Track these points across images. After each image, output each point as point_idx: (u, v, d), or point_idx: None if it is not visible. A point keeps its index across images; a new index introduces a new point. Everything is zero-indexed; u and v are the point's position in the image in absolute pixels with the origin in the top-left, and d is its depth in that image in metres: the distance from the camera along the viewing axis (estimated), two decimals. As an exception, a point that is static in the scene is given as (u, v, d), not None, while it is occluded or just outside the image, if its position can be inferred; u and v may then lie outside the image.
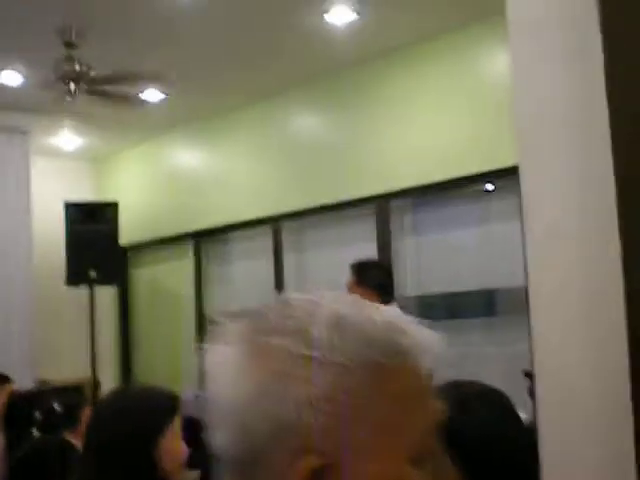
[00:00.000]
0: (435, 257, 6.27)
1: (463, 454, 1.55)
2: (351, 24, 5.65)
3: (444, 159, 5.91)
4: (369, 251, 6.26)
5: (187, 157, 8.47)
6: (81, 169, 9.36)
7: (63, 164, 9.14)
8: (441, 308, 6.17)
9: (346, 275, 6.42)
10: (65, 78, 5.45)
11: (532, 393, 2.54)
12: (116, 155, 9.24)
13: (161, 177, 8.72)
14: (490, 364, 5.78)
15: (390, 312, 1.07)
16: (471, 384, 1.73)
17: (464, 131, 5.79)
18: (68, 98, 5.57)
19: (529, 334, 5.29)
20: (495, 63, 5.70)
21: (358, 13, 5.49)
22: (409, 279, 6.15)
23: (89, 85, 5.62)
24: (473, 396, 1.66)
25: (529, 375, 5.18)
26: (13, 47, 6.00)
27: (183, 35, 5.81)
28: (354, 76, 6.54)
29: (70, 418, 3.87)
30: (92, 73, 5.49)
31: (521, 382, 4.79)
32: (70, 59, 5.46)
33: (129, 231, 8.46)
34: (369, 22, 5.64)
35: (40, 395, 4.69)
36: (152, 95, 7.03)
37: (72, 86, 5.45)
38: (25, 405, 4.48)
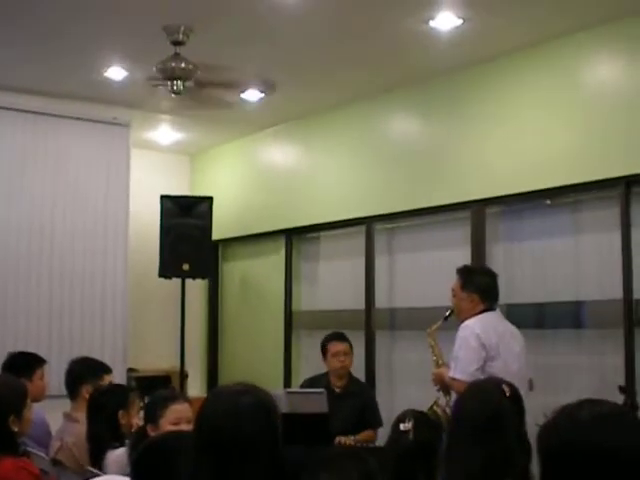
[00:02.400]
0: (527, 265, 6.21)
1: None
2: (456, 29, 5.62)
3: (540, 168, 5.85)
4: (462, 256, 6.24)
5: (282, 155, 8.54)
6: (177, 163, 9.51)
7: (160, 158, 9.31)
8: (530, 317, 6.11)
9: (437, 280, 6.46)
10: (171, 76, 5.55)
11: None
12: (212, 150, 9.36)
13: (256, 174, 8.81)
14: (579, 376, 5.71)
15: None
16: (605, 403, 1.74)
17: (564, 140, 5.72)
18: (172, 95, 5.67)
19: (625, 348, 5.26)
20: (599, 73, 5.62)
21: (463, 19, 5.47)
22: (499, 287, 6.11)
23: (194, 84, 5.71)
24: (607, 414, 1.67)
25: (624, 390, 5.13)
26: (120, 44, 6.13)
27: (286, 35, 5.86)
28: (455, 81, 6.52)
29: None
30: (198, 72, 5.58)
31: (611, 396, 4.74)
32: (177, 57, 5.56)
33: (222, 226, 8.57)
34: (474, 28, 5.60)
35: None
36: (252, 95, 7.12)
37: (177, 83, 5.55)
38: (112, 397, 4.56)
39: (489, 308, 5.14)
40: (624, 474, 1.61)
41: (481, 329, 4.97)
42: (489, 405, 2.66)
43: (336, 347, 6.22)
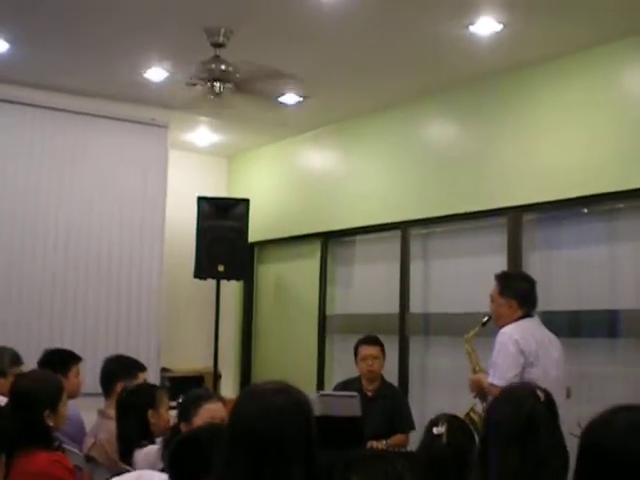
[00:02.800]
0: (563, 273, 6.18)
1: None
2: (495, 35, 5.60)
3: (577, 176, 5.82)
4: (498, 263, 6.21)
5: (319, 159, 8.56)
6: (215, 165, 9.56)
7: (198, 159, 9.36)
8: (565, 325, 6.06)
9: (473, 286, 6.43)
10: (211, 78, 5.58)
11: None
12: (249, 153, 9.40)
13: (292, 177, 8.83)
14: (614, 386, 5.66)
15: None
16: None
17: (601, 149, 5.69)
18: (211, 97, 5.70)
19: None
20: (634, 80, 5.58)
21: (503, 24, 5.45)
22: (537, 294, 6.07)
23: (234, 86, 5.74)
24: None
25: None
26: (160, 45, 6.18)
27: (325, 38, 5.87)
28: (493, 87, 6.50)
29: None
30: (237, 74, 5.60)
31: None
32: (217, 59, 5.58)
33: (257, 228, 8.59)
34: (514, 33, 5.59)
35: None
36: (290, 98, 7.14)
37: (217, 85, 5.57)
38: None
39: (527, 314, 5.11)
40: None
41: (520, 335, 4.94)
42: (523, 410, 2.64)
43: (365, 351, 6.22)
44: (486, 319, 5.34)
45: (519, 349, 4.88)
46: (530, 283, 5.27)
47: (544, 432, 2.60)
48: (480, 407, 5.15)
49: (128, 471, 3.72)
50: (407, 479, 2.38)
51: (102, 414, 4.91)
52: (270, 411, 2.29)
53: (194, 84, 5.87)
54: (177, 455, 2.87)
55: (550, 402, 2.73)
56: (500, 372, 4.86)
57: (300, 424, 2.31)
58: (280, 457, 2.22)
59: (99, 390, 5.16)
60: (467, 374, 5.42)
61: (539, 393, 2.71)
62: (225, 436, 2.35)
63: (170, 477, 2.88)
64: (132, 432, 4.30)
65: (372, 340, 6.30)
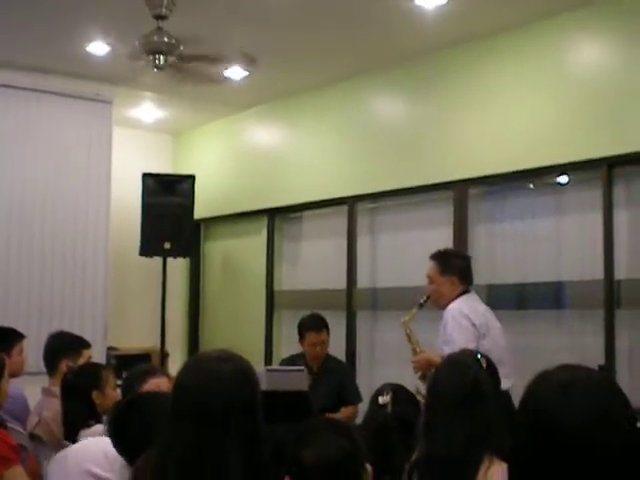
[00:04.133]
0: (508, 247, 6.23)
1: (563, 441, 1.55)
2: (440, 8, 5.60)
3: (523, 149, 5.85)
4: (444, 237, 6.25)
5: (265, 135, 8.51)
6: (160, 141, 9.47)
7: (142, 136, 9.25)
8: (511, 298, 6.12)
9: (419, 260, 6.43)
10: (153, 51, 5.50)
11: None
12: (195, 129, 9.32)
13: (238, 153, 8.78)
14: (559, 357, 5.72)
15: None
16: (577, 368, 1.73)
17: (544, 122, 5.73)
18: (154, 70, 5.62)
19: (605, 328, 5.28)
20: (584, 54, 5.61)
21: (447, -3, 5.45)
22: (481, 267, 6.10)
23: (177, 59, 5.66)
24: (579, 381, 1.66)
25: (603, 369, 5.14)
26: (102, 18, 6.07)
27: (270, 11, 5.81)
28: (439, 61, 6.50)
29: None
30: (181, 47, 5.53)
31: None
32: (160, 31, 5.50)
33: (204, 205, 8.53)
34: (458, 7, 5.58)
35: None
36: (235, 73, 7.07)
37: (160, 59, 5.50)
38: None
39: (466, 290, 5.16)
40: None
41: (468, 309, 5.00)
42: (467, 377, 2.66)
43: (313, 338, 6.17)
44: (424, 299, 5.34)
45: (471, 323, 4.93)
46: (466, 259, 5.33)
47: (489, 398, 2.62)
48: (423, 388, 5.14)
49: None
50: (362, 449, 2.37)
51: (46, 392, 4.84)
52: (216, 377, 2.25)
53: (136, 58, 5.78)
54: (119, 419, 2.83)
55: (492, 367, 2.75)
56: (459, 346, 4.86)
57: (245, 392, 2.27)
58: (224, 424, 2.19)
59: (43, 369, 5.09)
60: (409, 356, 5.42)
61: (481, 359, 2.73)
62: (169, 404, 2.31)
63: (114, 445, 2.85)
64: (78, 413, 4.23)
65: (318, 326, 6.20)
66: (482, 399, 2.60)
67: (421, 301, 5.35)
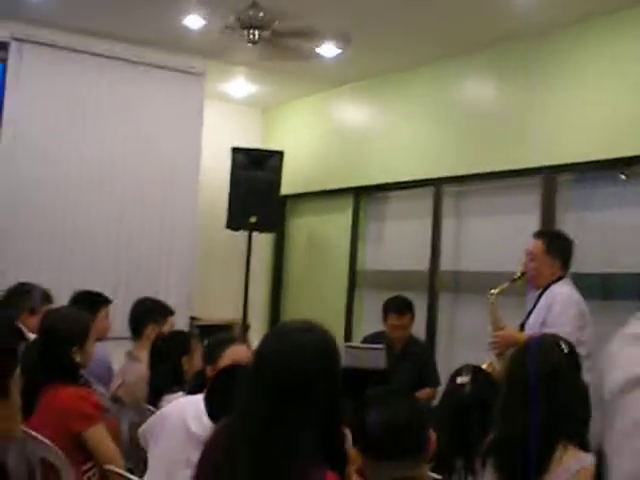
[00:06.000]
0: (596, 236, 6.12)
1: None
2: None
3: (615, 137, 5.74)
4: (531, 223, 6.16)
5: (355, 114, 8.51)
6: (250, 116, 9.53)
7: (233, 110, 9.33)
8: (596, 288, 6.02)
9: (504, 245, 6.37)
10: (249, 25, 5.55)
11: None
12: (285, 105, 9.36)
13: (327, 131, 8.79)
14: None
15: None
16: None
17: (637, 110, 5.60)
18: (249, 45, 5.67)
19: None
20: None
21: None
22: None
23: (271, 34, 5.70)
24: None
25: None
26: (199, -9, 6.14)
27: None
28: (532, 46, 6.40)
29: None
30: (276, 22, 5.56)
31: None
32: (255, 6, 5.55)
33: (291, 181, 8.58)
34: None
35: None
36: (328, 50, 7.07)
37: (255, 33, 5.54)
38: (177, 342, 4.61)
39: (563, 276, 5.05)
40: None
41: (578, 297, 4.90)
42: (547, 361, 2.64)
43: (394, 321, 6.17)
44: (518, 275, 5.20)
45: (580, 310, 4.83)
46: (571, 245, 5.18)
47: (568, 383, 2.60)
48: (498, 366, 5.06)
49: (153, 413, 3.75)
50: (425, 416, 2.38)
51: (130, 356, 4.96)
52: (295, 349, 2.23)
53: (232, 30, 5.83)
54: (219, 386, 2.87)
55: (574, 355, 2.73)
56: (564, 333, 4.73)
57: (325, 364, 2.25)
58: (302, 396, 2.18)
59: (128, 334, 5.20)
60: (488, 329, 5.34)
61: (562, 344, 2.70)
62: (248, 372, 2.32)
63: (206, 404, 2.89)
64: (165, 378, 4.32)
65: (402, 309, 6.18)
66: (560, 385, 2.58)
67: (515, 277, 5.22)
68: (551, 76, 6.26)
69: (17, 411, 2.01)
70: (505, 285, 5.30)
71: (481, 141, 6.81)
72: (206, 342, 4.08)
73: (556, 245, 5.09)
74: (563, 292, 4.91)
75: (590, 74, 5.99)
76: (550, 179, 6.26)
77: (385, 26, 6.54)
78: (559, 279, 5.00)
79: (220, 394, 2.84)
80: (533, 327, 4.90)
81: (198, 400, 3.13)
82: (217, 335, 4.12)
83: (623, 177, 5.97)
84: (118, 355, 5.11)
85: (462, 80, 7.16)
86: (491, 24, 6.27)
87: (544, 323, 4.82)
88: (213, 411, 2.84)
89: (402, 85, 7.75)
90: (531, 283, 5.13)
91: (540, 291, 5.05)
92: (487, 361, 5.13)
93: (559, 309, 4.83)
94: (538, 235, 5.16)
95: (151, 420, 3.46)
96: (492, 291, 5.34)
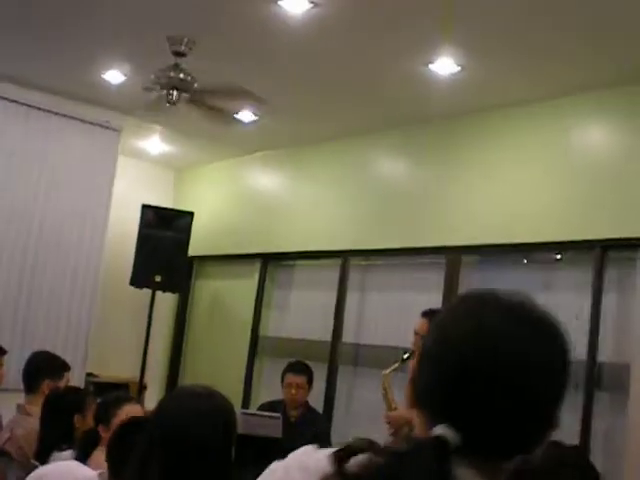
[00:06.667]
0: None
1: None
2: (453, 76, 5.68)
3: (520, 222, 5.91)
4: (434, 301, 6.26)
5: (266, 181, 8.59)
6: (163, 175, 9.53)
7: (147, 167, 9.31)
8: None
9: (406, 321, 6.45)
10: (168, 85, 5.58)
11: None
12: (198, 167, 9.39)
13: (238, 196, 8.84)
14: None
15: None
16: None
17: (546, 198, 5.79)
18: (167, 105, 5.69)
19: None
20: (583, 136, 5.74)
21: (461, 66, 5.53)
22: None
23: (190, 95, 5.74)
24: None
25: None
26: (121, 48, 6.16)
27: (287, 61, 5.91)
28: (447, 127, 6.58)
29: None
30: (195, 85, 5.61)
31: None
32: (177, 68, 5.59)
33: (199, 242, 8.56)
34: (471, 76, 5.67)
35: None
36: (245, 115, 7.14)
37: (174, 94, 5.57)
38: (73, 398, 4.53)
39: None
40: None
41: None
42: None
43: (290, 379, 6.19)
44: (407, 355, 5.24)
45: None
46: None
47: None
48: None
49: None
50: None
51: (21, 410, 4.83)
52: (195, 412, 2.28)
53: (151, 90, 5.85)
54: (122, 442, 2.82)
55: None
56: None
57: (221, 429, 2.30)
58: (196, 457, 2.21)
59: (20, 386, 5.07)
60: (383, 411, 5.40)
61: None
62: (147, 433, 2.32)
63: (111, 467, 2.84)
64: (56, 435, 4.23)
65: (298, 369, 6.26)
66: None
67: (404, 356, 5.25)
68: (461, 159, 6.43)
69: None
70: (396, 365, 5.35)
71: (388, 217, 6.93)
72: (99, 400, 4.02)
73: None
74: None
75: (499, 158, 6.18)
76: (454, 259, 6.39)
77: (304, 95, 6.65)
78: None
79: (121, 449, 2.79)
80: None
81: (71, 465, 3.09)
82: (110, 394, 4.07)
83: (525, 261, 6.14)
84: (7, 407, 4.98)
85: (374, 156, 7.30)
86: (409, 104, 6.43)
87: None
88: (114, 467, 2.80)
89: (315, 156, 7.86)
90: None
91: None
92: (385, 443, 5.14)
93: None
94: (424, 314, 5.22)
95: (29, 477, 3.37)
96: (384, 371, 5.40)
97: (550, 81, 5.63)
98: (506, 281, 6.24)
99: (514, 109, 6.10)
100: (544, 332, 1.34)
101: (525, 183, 5.96)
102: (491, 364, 1.24)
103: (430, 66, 5.59)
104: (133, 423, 2.97)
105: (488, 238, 6.12)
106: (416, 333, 5.21)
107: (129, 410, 3.68)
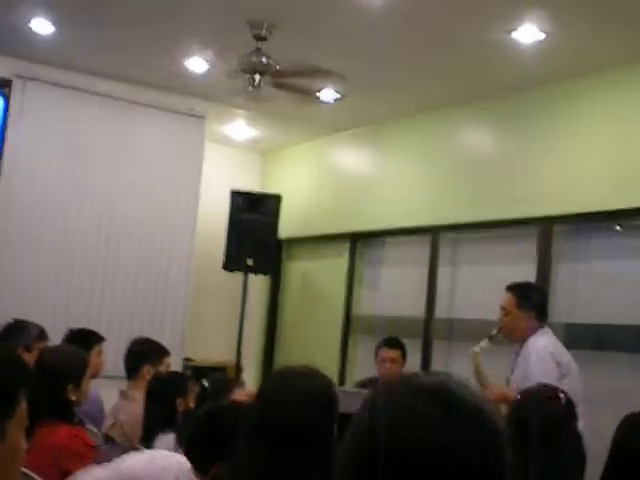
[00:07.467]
0: (591, 286, 6.14)
1: None
2: (538, 44, 5.59)
3: (612, 189, 5.79)
4: (527, 273, 6.18)
5: (353, 159, 8.58)
6: (249, 159, 9.59)
7: (233, 153, 9.40)
8: (588, 339, 6.03)
9: (499, 294, 6.39)
10: (251, 70, 5.61)
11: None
12: (284, 149, 9.43)
13: (325, 176, 8.85)
14: (636, 400, 5.62)
15: None
16: None
17: (635, 163, 5.66)
18: (250, 89, 5.72)
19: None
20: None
21: (546, 33, 5.43)
22: (562, 306, 6.04)
23: (272, 79, 5.76)
24: None
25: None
26: (203, 36, 6.22)
27: (367, 38, 5.88)
28: (532, 96, 6.47)
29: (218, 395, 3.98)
30: (277, 67, 5.63)
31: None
32: (258, 52, 5.62)
33: (288, 224, 8.60)
34: (556, 43, 5.57)
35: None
36: (328, 94, 7.15)
37: (256, 78, 5.60)
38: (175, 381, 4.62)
39: (542, 326, 5.05)
40: None
41: (553, 347, 4.89)
42: (548, 412, 2.65)
43: (385, 353, 6.21)
44: (495, 332, 5.16)
45: (556, 361, 4.81)
46: (544, 295, 5.21)
47: (567, 434, 2.61)
48: None
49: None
50: None
51: (124, 395, 4.94)
52: (300, 396, 2.28)
53: (234, 76, 5.89)
54: (199, 431, 2.86)
55: (570, 405, 2.74)
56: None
57: (329, 410, 2.30)
58: (302, 441, 2.21)
59: (120, 373, 5.19)
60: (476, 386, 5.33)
61: (560, 395, 2.71)
62: (250, 417, 2.33)
63: (186, 454, 2.89)
64: (158, 418, 4.32)
65: (392, 343, 6.27)
66: (559, 436, 2.59)
67: (492, 333, 5.18)
68: (549, 127, 6.32)
69: (13, 454, 1.87)
70: (484, 343, 5.22)
71: (478, 190, 6.86)
72: (207, 383, 4.09)
73: (528, 297, 5.08)
74: (537, 344, 4.91)
75: (588, 126, 6.06)
76: (546, 230, 6.30)
77: (385, 72, 6.62)
78: (536, 330, 5.01)
79: (203, 440, 2.82)
80: (517, 381, 4.88)
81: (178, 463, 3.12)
82: (216, 375, 4.13)
83: (619, 229, 6.02)
84: (108, 393, 5.10)
85: (461, 128, 7.23)
86: (492, 74, 6.34)
87: (525, 377, 4.82)
88: (197, 456, 2.83)
89: (400, 132, 7.81)
90: (508, 338, 5.12)
91: (521, 344, 5.05)
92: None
93: (534, 361, 4.82)
94: (509, 289, 5.13)
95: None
96: (473, 349, 5.27)
97: (635, 42, 5.49)
98: (599, 249, 6.14)
99: (600, 73, 5.95)
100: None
101: (615, 147, 5.82)
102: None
103: (513, 34, 5.50)
104: (206, 416, 2.98)
105: (580, 207, 6.01)
106: (502, 308, 5.15)
107: (242, 394, 3.74)
